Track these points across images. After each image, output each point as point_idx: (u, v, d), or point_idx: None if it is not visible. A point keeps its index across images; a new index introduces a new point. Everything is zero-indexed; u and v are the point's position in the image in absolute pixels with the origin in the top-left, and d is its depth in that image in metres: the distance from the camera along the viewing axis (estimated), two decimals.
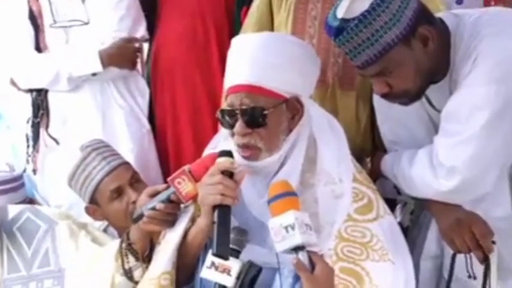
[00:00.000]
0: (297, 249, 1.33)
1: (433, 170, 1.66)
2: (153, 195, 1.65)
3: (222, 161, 1.55)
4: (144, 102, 2.56)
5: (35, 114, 2.46)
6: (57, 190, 2.40)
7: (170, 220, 1.65)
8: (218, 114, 1.63)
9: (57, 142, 2.45)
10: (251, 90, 1.58)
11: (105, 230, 2.13)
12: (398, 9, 1.53)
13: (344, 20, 1.55)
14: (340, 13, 1.56)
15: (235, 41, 1.72)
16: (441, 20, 1.66)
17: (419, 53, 1.58)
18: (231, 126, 1.60)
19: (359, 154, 1.89)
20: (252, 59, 1.60)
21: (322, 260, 1.37)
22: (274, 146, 1.60)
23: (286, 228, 1.33)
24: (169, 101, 2.56)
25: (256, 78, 1.58)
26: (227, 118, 1.61)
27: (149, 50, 2.63)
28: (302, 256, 1.33)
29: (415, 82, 1.60)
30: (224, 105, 1.62)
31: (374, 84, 1.64)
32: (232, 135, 1.61)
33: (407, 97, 1.65)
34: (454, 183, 1.62)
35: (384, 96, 1.65)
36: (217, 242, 1.45)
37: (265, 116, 1.57)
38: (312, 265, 1.33)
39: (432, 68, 1.62)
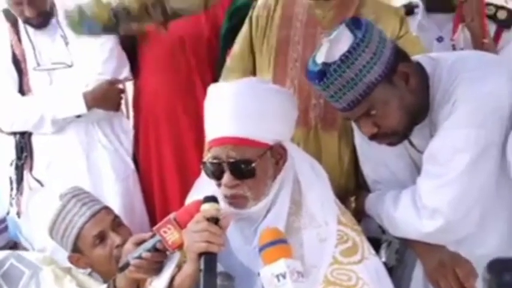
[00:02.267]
0: None
1: (416, 212, 1.67)
2: (139, 243, 1.64)
3: (207, 208, 1.54)
4: (128, 142, 2.57)
5: (19, 157, 2.46)
6: (41, 233, 2.37)
7: (156, 268, 1.63)
8: (203, 167, 1.63)
9: (41, 184, 2.44)
10: (236, 142, 1.58)
11: (89, 275, 2.11)
12: (377, 48, 1.55)
13: (325, 64, 1.55)
14: (321, 58, 1.56)
15: (213, 90, 1.70)
16: (419, 63, 1.69)
17: (403, 90, 1.59)
18: (218, 178, 1.60)
19: (343, 194, 1.90)
20: (234, 110, 1.59)
21: None
22: (261, 193, 1.61)
23: (277, 277, 1.33)
24: (153, 139, 2.55)
25: (240, 130, 1.58)
26: (213, 170, 1.60)
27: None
28: None
29: (401, 120, 1.61)
30: (208, 156, 1.62)
31: (362, 126, 1.62)
32: (219, 185, 1.61)
33: (395, 136, 1.65)
34: (437, 224, 1.64)
35: (373, 137, 1.64)
36: None
37: (253, 168, 1.57)
38: None
39: (416, 105, 1.63)
